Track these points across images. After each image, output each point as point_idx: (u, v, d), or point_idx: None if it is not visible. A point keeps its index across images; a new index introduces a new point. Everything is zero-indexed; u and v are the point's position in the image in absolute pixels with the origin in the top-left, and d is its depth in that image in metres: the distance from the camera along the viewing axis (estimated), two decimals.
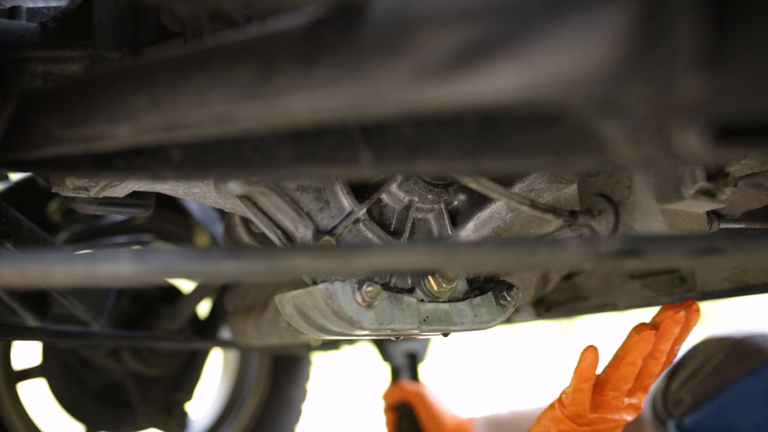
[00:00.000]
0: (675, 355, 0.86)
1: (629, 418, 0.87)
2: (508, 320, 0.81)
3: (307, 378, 1.51)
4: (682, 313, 0.82)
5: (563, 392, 0.89)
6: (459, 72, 0.31)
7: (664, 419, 1.09)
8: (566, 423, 0.88)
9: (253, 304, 1.09)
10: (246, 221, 0.85)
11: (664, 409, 1.09)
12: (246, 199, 0.69)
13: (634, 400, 0.87)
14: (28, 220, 0.89)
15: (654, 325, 0.84)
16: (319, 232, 0.69)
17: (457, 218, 0.77)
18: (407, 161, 0.43)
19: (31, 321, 1.07)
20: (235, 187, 0.66)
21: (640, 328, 0.84)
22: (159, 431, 1.27)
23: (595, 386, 0.87)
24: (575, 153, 0.36)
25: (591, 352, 0.87)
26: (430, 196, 0.73)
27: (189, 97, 0.42)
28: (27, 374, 1.19)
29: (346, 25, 0.35)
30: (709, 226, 0.69)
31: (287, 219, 0.69)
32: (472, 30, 0.31)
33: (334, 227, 0.69)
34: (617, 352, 0.85)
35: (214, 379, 1.47)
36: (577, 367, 0.87)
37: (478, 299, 0.74)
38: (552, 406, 0.90)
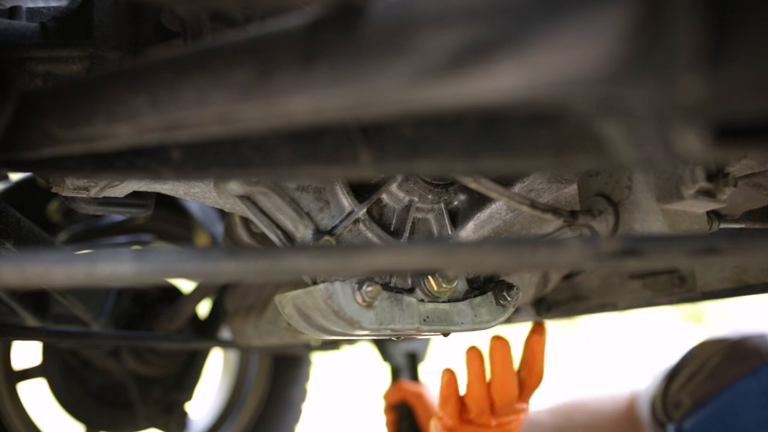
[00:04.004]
0: (538, 370, 0.99)
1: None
2: (508, 320, 0.81)
3: (307, 378, 1.51)
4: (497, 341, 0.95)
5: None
6: (459, 72, 0.31)
7: (663, 422, 1.09)
8: None
9: (253, 304, 1.09)
10: (246, 221, 0.85)
11: (663, 413, 1.09)
12: (246, 199, 0.69)
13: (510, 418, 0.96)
14: (28, 220, 0.89)
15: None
16: (319, 232, 0.69)
17: (457, 218, 0.77)
18: (407, 161, 0.43)
19: (31, 321, 1.07)
20: (235, 187, 0.66)
21: (470, 350, 0.96)
22: (159, 431, 1.27)
23: (462, 402, 0.97)
24: (575, 153, 0.36)
25: (446, 373, 0.99)
26: (430, 196, 0.73)
27: (189, 97, 0.42)
28: (27, 374, 1.19)
29: (346, 25, 0.35)
30: (709, 226, 0.69)
31: (287, 219, 0.69)
32: (472, 30, 0.31)
33: (334, 227, 0.69)
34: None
35: (214, 379, 1.47)
36: (439, 388, 0.98)
37: (478, 299, 0.74)
38: (436, 416, 1.00)
